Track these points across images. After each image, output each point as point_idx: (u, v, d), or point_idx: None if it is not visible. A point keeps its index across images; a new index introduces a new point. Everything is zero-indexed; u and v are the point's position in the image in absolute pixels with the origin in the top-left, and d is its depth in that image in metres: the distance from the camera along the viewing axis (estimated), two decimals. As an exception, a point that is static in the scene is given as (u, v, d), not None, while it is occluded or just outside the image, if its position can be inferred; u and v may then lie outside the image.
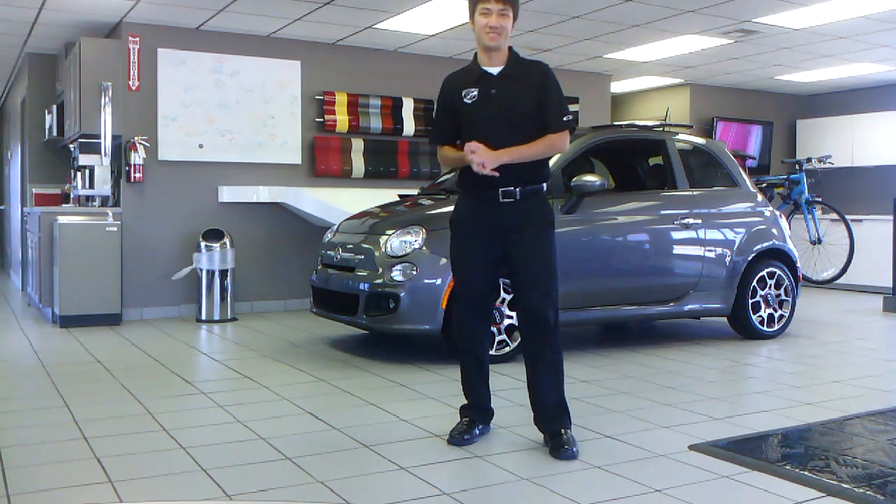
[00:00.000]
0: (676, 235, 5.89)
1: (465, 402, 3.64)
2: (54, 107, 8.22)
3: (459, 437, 3.50)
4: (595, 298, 5.55)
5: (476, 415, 3.59)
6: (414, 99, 8.37)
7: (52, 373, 4.96)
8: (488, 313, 3.65)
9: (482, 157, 3.31)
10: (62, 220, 6.80)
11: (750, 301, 6.13)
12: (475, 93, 3.42)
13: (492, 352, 5.18)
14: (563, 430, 3.38)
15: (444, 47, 8.14)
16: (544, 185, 3.49)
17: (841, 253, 8.58)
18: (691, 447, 3.45)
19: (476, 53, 3.49)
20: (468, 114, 3.43)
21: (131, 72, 7.21)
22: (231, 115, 7.61)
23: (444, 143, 3.58)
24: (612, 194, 6.03)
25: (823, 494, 2.90)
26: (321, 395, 4.42)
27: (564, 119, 3.42)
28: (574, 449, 3.31)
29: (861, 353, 5.81)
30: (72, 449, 3.41)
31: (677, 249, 5.92)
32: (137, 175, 7.19)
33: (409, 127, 8.32)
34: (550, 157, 3.53)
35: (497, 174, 3.32)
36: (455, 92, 3.48)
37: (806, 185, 8.96)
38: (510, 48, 3.45)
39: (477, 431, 3.55)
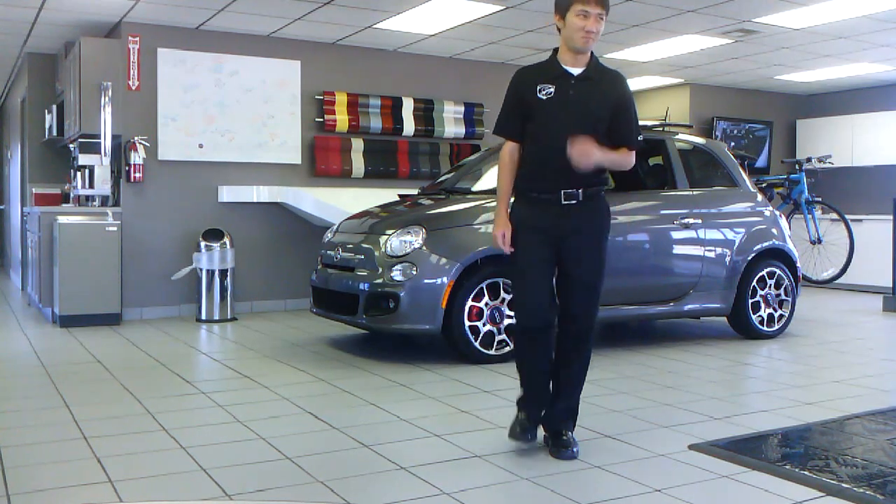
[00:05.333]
0: (676, 235, 5.90)
1: (522, 394, 3.48)
2: (54, 107, 8.22)
3: (522, 435, 3.38)
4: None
5: (534, 408, 3.44)
6: (414, 99, 8.37)
7: (52, 373, 4.95)
8: (552, 312, 3.44)
9: (586, 149, 3.18)
10: (62, 220, 6.80)
11: (750, 301, 6.14)
12: (552, 90, 3.29)
13: (492, 352, 5.21)
14: (564, 431, 3.39)
15: (444, 47, 8.14)
16: (603, 188, 3.41)
17: (841, 253, 8.57)
18: (691, 447, 3.45)
19: (555, 50, 3.37)
20: (541, 110, 3.31)
21: (131, 72, 7.21)
22: (231, 114, 7.60)
23: (510, 136, 3.40)
24: (612, 194, 5.95)
25: (823, 494, 2.90)
26: (321, 395, 4.42)
27: (639, 138, 3.42)
28: (574, 449, 3.32)
29: (861, 353, 5.81)
30: (72, 449, 3.41)
31: (677, 249, 5.93)
32: (137, 175, 7.19)
33: (408, 127, 8.32)
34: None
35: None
36: (529, 87, 3.33)
37: (806, 185, 8.95)
38: (591, 52, 3.35)
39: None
